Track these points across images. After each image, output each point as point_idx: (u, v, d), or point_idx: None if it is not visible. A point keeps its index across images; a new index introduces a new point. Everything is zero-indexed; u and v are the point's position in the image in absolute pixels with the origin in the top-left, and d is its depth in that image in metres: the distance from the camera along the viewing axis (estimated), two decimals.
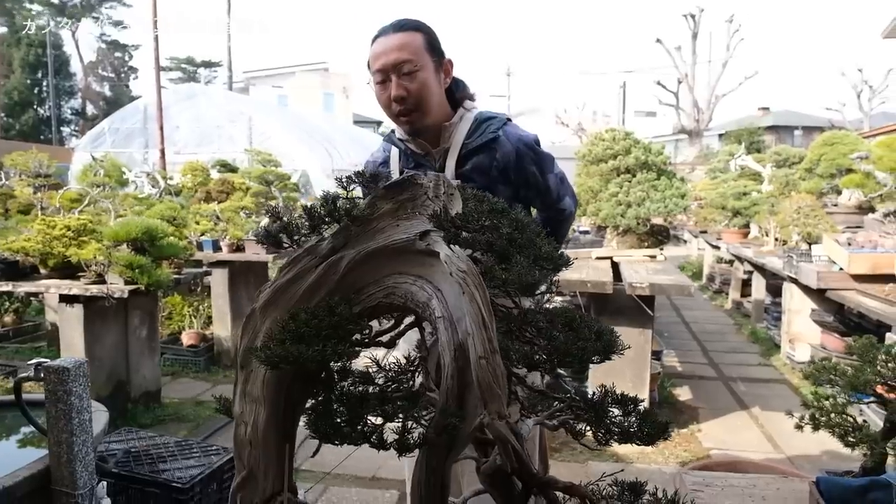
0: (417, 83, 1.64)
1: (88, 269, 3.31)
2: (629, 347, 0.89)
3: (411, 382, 0.89)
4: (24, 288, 3.44)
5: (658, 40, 21.42)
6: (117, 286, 3.23)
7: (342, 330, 0.89)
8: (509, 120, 1.81)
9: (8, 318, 5.55)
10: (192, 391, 4.35)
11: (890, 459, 1.52)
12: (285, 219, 1.00)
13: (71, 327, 3.31)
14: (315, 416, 0.85)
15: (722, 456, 3.12)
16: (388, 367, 0.88)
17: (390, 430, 0.80)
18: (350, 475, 3.05)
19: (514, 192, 1.79)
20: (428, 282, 0.93)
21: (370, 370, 0.89)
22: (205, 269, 4.87)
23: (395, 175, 1.81)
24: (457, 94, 1.78)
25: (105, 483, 1.73)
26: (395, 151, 1.84)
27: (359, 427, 0.80)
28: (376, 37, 1.69)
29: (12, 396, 1.81)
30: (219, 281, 4.87)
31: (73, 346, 3.28)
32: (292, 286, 1.03)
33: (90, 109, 33.29)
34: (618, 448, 3.31)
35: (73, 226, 3.39)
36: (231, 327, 4.85)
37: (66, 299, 3.29)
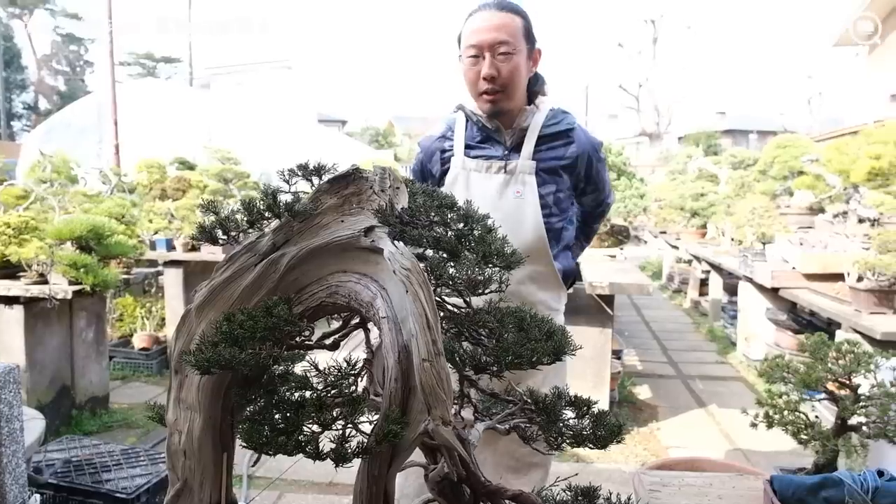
0: (510, 66, 1.65)
1: (30, 268, 3.16)
2: (580, 348, 0.86)
3: (353, 387, 0.84)
4: None
5: (620, 45, 21.77)
6: (60, 286, 3.08)
7: (279, 332, 0.84)
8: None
9: None
10: (143, 396, 4.20)
11: (841, 456, 1.54)
12: (221, 213, 0.94)
13: (10, 330, 3.14)
14: (250, 425, 0.80)
15: (680, 455, 3.14)
16: (327, 371, 0.82)
17: (328, 439, 0.75)
18: (306, 481, 2.97)
19: (573, 183, 1.84)
20: (373, 280, 0.88)
21: (308, 374, 0.84)
22: (158, 268, 4.71)
23: (460, 144, 1.80)
24: (535, 86, 1.80)
25: (38, 496, 1.63)
26: (461, 123, 1.84)
27: (295, 436, 0.75)
28: (476, 10, 1.69)
29: None
30: (173, 281, 4.71)
31: (12, 350, 3.12)
32: (230, 285, 0.97)
33: (43, 104, 32.12)
34: (578, 448, 3.31)
35: (14, 223, 3.22)
36: None
37: (5, 300, 3.12)
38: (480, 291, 0.86)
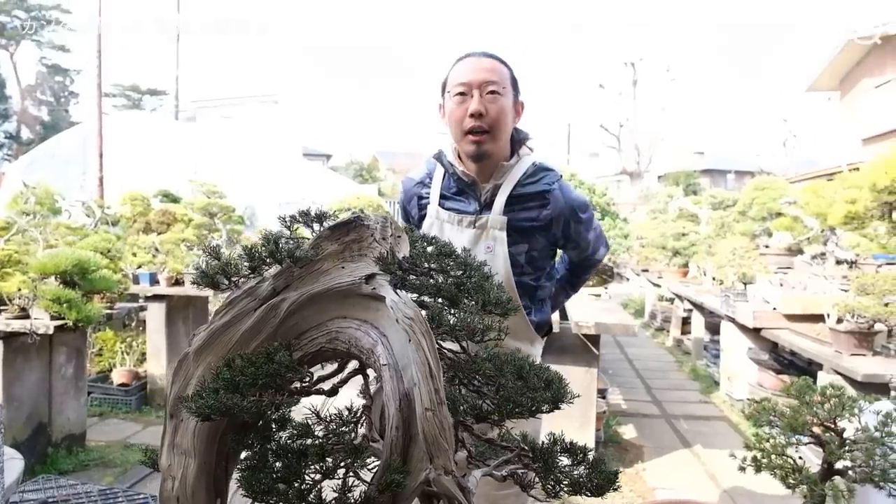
0: (497, 106, 1.65)
1: (11, 302, 3.11)
2: (579, 396, 0.87)
3: (353, 434, 0.84)
4: None
5: (601, 86, 22.32)
6: (42, 321, 3.03)
7: (280, 378, 0.84)
8: (560, 176, 1.82)
9: None
10: (120, 433, 4.10)
11: (828, 501, 1.55)
12: (223, 258, 0.95)
13: None
14: (249, 472, 0.79)
15: (667, 497, 3.13)
16: (328, 418, 0.83)
17: (330, 488, 0.75)
18: None
19: (551, 242, 1.81)
20: (373, 327, 0.90)
21: (309, 421, 0.84)
22: (141, 303, 4.66)
23: (435, 193, 1.80)
24: (518, 138, 1.78)
25: None
26: (439, 171, 1.81)
27: (296, 485, 0.75)
28: (465, 56, 1.71)
29: None
30: (155, 316, 4.66)
31: None
32: (229, 330, 0.97)
33: (26, 134, 31.94)
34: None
35: None
36: (167, 365, 4.62)
37: None
38: (479, 339, 0.88)
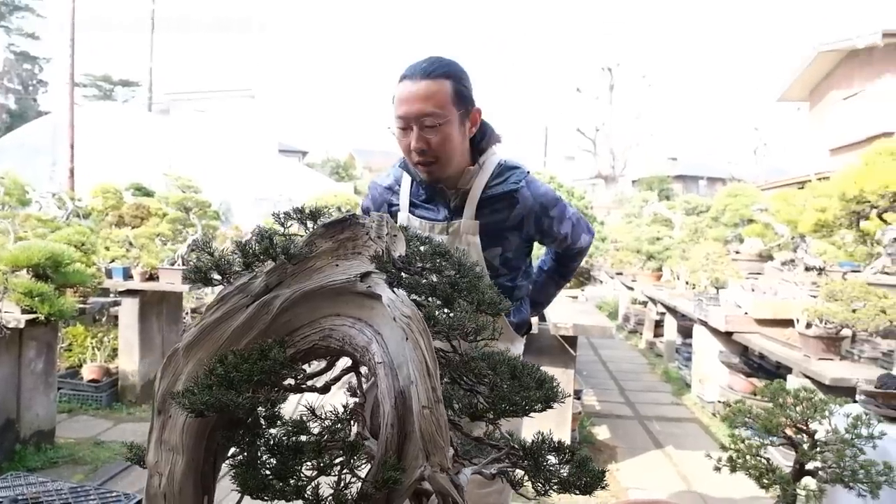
0: (440, 137, 1.59)
1: None
2: (570, 396, 0.89)
3: (347, 431, 0.85)
4: None
5: (578, 90, 22.55)
6: (13, 315, 2.96)
7: (275, 375, 0.84)
8: (528, 172, 1.78)
9: None
10: (90, 430, 4.02)
11: (799, 501, 1.59)
12: (216, 254, 0.95)
13: None
14: (242, 469, 0.79)
15: (640, 497, 3.18)
16: (323, 415, 0.83)
17: (325, 485, 0.75)
18: None
19: (526, 238, 1.80)
20: (368, 325, 0.90)
21: (304, 418, 0.84)
22: (113, 298, 4.57)
23: (405, 201, 1.79)
24: (483, 140, 1.73)
25: None
26: (407, 178, 1.79)
27: (292, 481, 0.75)
28: (404, 76, 1.62)
29: None
30: (128, 311, 4.57)
31: None
32: (220, 326, 0.97)
33: None
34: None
35: None
36: (139, 360, 4.55)
37: None
38: (472, 339, 0.89)
